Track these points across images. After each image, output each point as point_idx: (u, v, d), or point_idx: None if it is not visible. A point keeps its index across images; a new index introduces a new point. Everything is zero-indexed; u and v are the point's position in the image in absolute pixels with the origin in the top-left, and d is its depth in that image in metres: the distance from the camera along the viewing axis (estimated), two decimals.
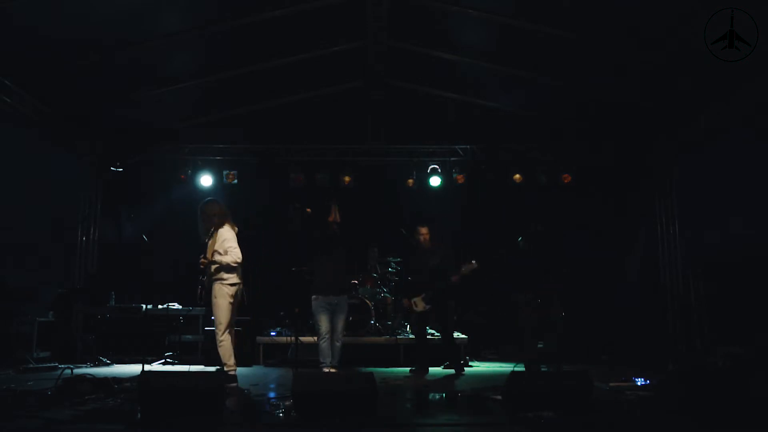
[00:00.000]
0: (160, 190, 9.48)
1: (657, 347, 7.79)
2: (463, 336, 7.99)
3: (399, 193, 9.69)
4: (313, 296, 6.73)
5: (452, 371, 7.15)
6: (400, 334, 8.22)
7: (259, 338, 8.19)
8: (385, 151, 9.66)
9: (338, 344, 6.76)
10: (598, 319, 8.41)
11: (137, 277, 8.56)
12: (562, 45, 7.17)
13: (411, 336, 7.96)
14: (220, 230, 6.11)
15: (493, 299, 8.79)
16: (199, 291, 6.25)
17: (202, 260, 6.05)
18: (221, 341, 6.00)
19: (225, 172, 9.44)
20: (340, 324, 6.78)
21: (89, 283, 8.91)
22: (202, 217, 6.20)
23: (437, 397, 5.42)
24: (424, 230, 7.34)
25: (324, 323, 6.69)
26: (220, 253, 6.03)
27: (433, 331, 8.27)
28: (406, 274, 7.66)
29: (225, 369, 5.94)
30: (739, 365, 5.65)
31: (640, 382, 5.64)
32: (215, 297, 6.06)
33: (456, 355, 7.23)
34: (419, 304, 7.13)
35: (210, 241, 6.08)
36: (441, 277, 7.04)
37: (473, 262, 6.93)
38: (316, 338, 6.90)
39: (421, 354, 7.36)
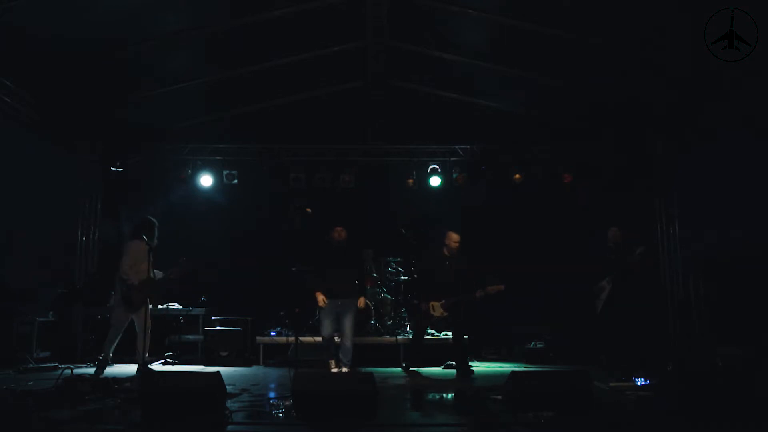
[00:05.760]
0: (160, 190, 9.47)
1: (657, 347, 7.79)
2: (464, 336, 7.98)
3: (399, 193, 9.68)
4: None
5: (453, 371, 7.15)
6: (400, 334, 8.22)
7: (259, 338, 8.20)
8: (385, 151, 9.66)
9: (348, 344, 6.85)
10: (597, 319, 8.40)
11: None
12: (562, 45, 7.17)
13: (409, 335, 7.94)
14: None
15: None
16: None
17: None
18: None
19: (225, 172, 9.43)
20: (348, 324, 6.87)
21: (89, 283, 8.91)
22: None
23: (437, 397, 5.42)
24: (457, 237, 7.15)
25: (327, 327, 6.86)
26: None
27: (432, 331, 8.27)
28: (422, 275, 7.49)
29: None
30: (739, 365, 5.65)
31: (640, 382, 5.64)
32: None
33: (464, 358, 7.18)
34: (437, 310, 7.09)
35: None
36: (465, 288, 6.99)
37: (501, 285, 6.89)
38: (316, 339, 7.05)
39: (414, 353, 7.36)
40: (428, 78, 8.83)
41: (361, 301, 6.98)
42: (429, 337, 8.13)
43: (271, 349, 8.22)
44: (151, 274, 6.97)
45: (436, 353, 7.74)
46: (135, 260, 6.87)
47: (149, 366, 6.90)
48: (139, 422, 4.01)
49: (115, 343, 7.01)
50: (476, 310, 7.53)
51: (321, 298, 6.86)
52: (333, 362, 6.96)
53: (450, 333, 7.62)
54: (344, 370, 6.77)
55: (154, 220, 7.21)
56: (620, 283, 7.32)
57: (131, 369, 6.80)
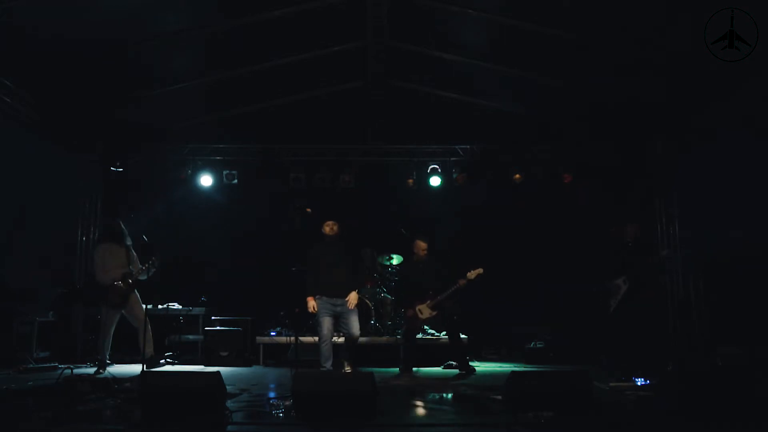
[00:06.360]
0: (160, 190, 9.47)
1: (657, 347, 7.78)
2: (464, 336, 7.98)
3: (399, 193, 9.67)
4: (317, 296, 6.68)
5: (453, 371, 7.15)
6: (400, 334, 8.20)
7: (259, 338, 8.20)
8: (385, 151, 9.66)
9: (353, 344, 6.77)
10: (597, 319, 8.40)
11: None
12: (562, 45, 7.17)
13: (400, 337, 7.88)
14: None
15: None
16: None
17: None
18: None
19: (225, 172, 9.42)
20: (355, 325, 6.67)
21: (89, 283, 8.91)
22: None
23: (437, 397, 5.42)
24: (424, 245, 7.30)
25: (326, 326, 6.61)
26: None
27: (433, 331, 8.28)
28: (405, 282, 7.55)
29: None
30: (739, 365, 5.64)
31: (640, 382, 5.64)
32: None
33: (464, 357, 7.18)
34: (425, 312, 7.15)
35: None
36: (446, 283, 7.06)
37: (480, 269, 6.96)
38: (316, 339, 6.86)
39: (408, 355, 7.33)
40: (428, 78, 8.82)
41: (353, 296, 6.64)
42: (428, 337, 8.14)
43: (271, 349, 8.22)
44: (128, 271, 7.21)
45: (437, 353, 7.74)
46: (103, 262, 7.21)
47: (158, 362, 6.99)
48: (139, 422, 4.01)
49: (108, 343, 7.12)
50: (465, 307, 7.55)
51: (312, 304, 6.63)
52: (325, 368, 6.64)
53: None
54: (347, 369, 6.70)
55: (118, 221, 7.52)
56: (636, 283, 7.22)
57: (131, 369, 6.80)
